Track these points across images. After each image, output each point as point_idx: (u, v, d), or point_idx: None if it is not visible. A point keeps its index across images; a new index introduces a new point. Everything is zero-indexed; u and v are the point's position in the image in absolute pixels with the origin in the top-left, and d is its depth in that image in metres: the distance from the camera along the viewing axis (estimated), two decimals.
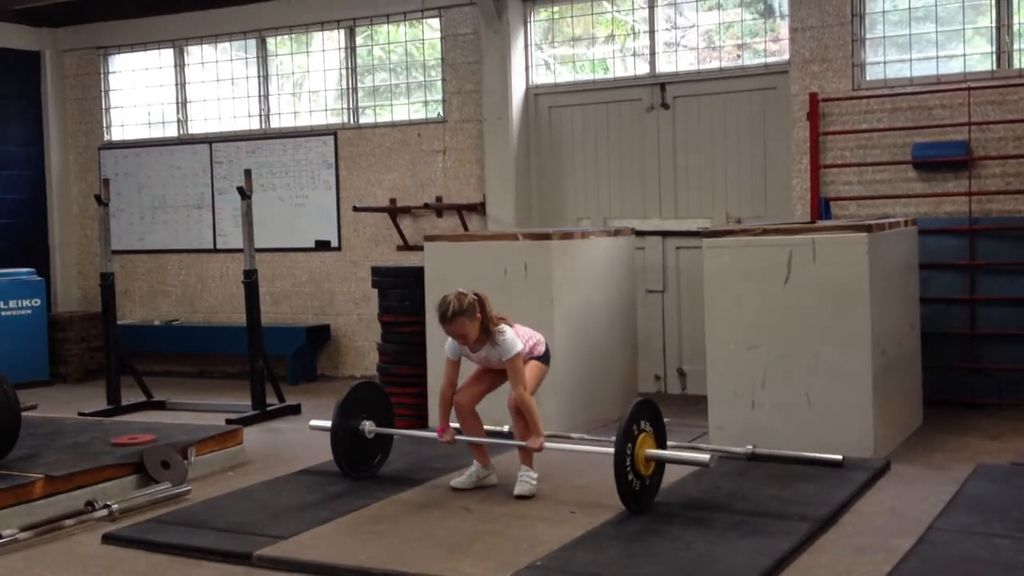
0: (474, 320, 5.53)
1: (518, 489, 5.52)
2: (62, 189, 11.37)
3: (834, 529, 4.97)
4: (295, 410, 8.42)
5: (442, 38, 9.57)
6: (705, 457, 5.34)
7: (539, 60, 9.38)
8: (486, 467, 5.78)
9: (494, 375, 5.76)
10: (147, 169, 11.01)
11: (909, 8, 7.92)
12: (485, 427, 5.90)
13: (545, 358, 5.80)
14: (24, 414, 6.12)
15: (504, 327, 5.58)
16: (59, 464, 5.83)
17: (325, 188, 10.08)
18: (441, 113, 9.65)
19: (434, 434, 5.87)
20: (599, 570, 4.44)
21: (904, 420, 6.84)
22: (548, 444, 5.57)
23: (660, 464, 5.35)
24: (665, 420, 6.77)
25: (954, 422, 7.13)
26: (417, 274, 7.67)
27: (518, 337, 5.60)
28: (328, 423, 6.02)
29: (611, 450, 5.13)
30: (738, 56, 8.65)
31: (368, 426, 6.05)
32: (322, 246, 10.17)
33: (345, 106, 10.17)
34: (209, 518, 5.35)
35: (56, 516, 5.38)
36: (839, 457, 5.94)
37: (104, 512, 5.43)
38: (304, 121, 10.37)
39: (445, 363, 5.78)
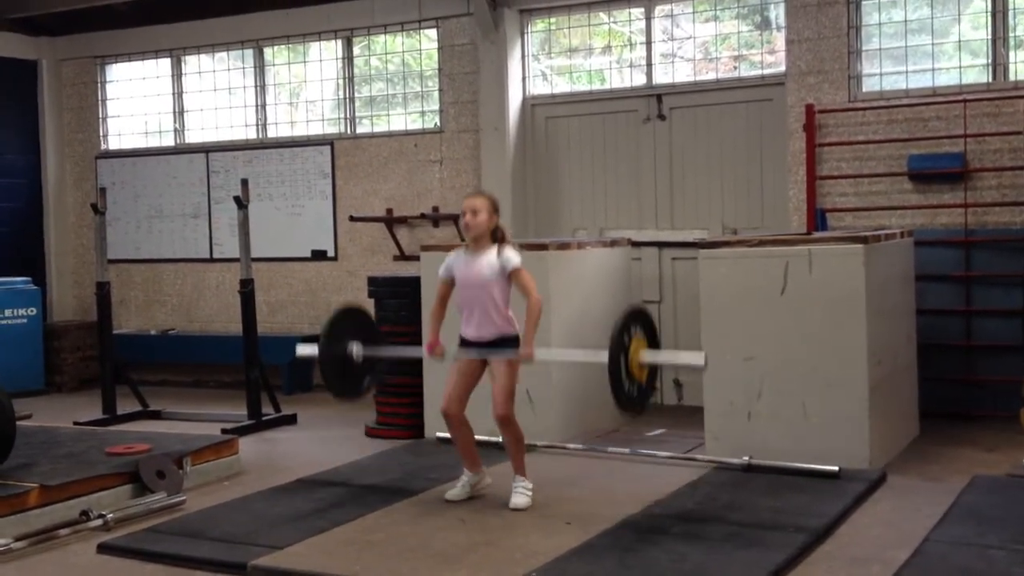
0: (491, 214, 5.54)
1: (514, 501, 5.50)
2: (59, 198, 11.37)
3: (830, 541, 4.97)
4: (291, 420, 8.41)
5: (439, 49, 9.59)
6: (700, 357, 5.31)
7: (536, 71, 9.40)
8: (477, 472, 5.75)
9: (473, 368, 5.66)
10: (144, 178, 11.01)
11: (905, 20, 7.95)
12: (477, 437, 5.85)
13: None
14: (19, 423, 6.11)
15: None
16: (54, 473, 5.82)
17: (322, 198, 10.08)
18: (438, 123, 9.66)
19: (422, 351, 5.81)
20: None
21: (900, 431, 6.84)
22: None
23: (654, 369, 5.37)
24: (661, 431, 6.77)
25: (950, 434, 7.14)
26: (413, 284, 7.68)
27: None
28: (315, 348, 5.88)
29: (604, 357, 5.13)
30: (734, 68, 8.67)
31: (356, 349, 5.95)
32: (318, 256, 10.17)
33: (342, 116, 10.18)
34: (204, 528, 5.34)
35: (51, 526, 5.37)
36: (835, 468, 5.94)
37: (99, 522, 5.42)
38: (301, 131, 10.38)
39: (438, 286, 5.75)
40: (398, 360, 7.66)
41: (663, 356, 5.44)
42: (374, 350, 6.01)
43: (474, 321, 5.56)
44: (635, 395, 5.26)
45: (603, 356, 5.16)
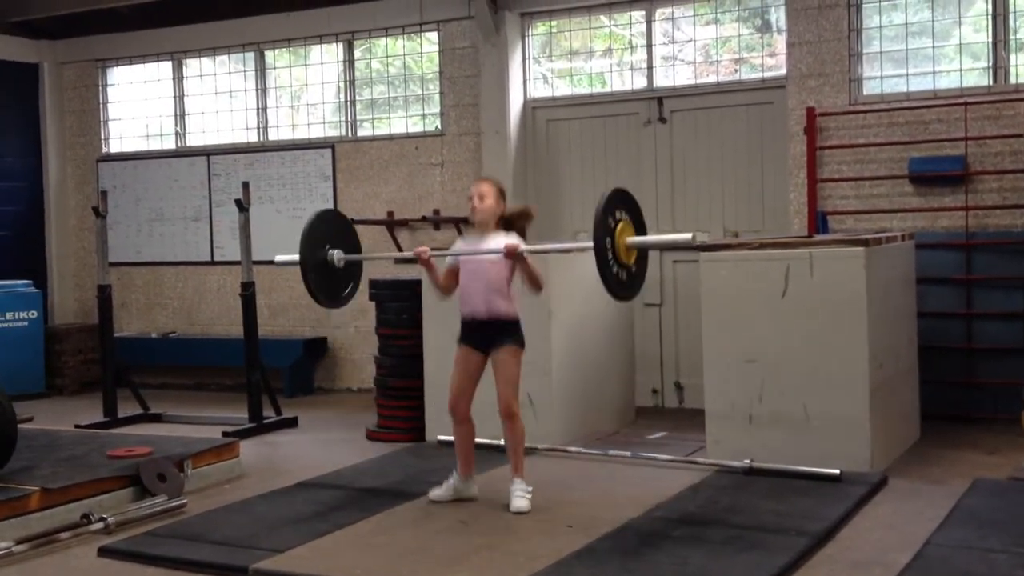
0: (499, 201, 5.57)
1: (515, 505, 5.49)
2: (60, 201, 11.38)
3: (831, 544, 4.97)
4: (292, 423, 8.41)
5: (440, 51, 9.59)
6: (687, 236, 5.26)
7: (537, 74, 9.40)
8: (467, 478, 5.73)
9: (475, 361, 5.64)
10: (145, 181, 11.02)
11: (906, 23, 7.96)
12: (478, 440, 5.84)
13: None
14: (20, 426, 6.11)
15: None
16: (55, 477, 5.82)
17: (323, 201, 10.07)
18: (439, 126, 9.67)
19: (411, 254, 5.80)
20: None
21: (901, 434, 6.84)
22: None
23: (643, 251, 5.33)
24: (662, 434, 6.77)
25: (951, 436, 7.13)
26: (414, 287, 7.68)
27: None
28: (295, 256, 5.85)
29: (590, 244, 5.10)
30: (735, 70, 8.67)
31: (336, 255, 5.93)
32: None
33: (343, 119, 10.18)
34: (205, 531, 5.34)
35: (52, 529, 5.37)
36: (836, 471, 5.93)
37: (100, 525, 5.42)
38: (302, 134, 10.38)
39: (444, 271, 5.72)
40: (399, 356, 7.67)
41: (650, 237, 5.40)
42: (354, 256, 6.03)
43: (472, 300, 5.58)
44: (625, 279, 5.21)
45: (589, 244, 5.12)
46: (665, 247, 5.31)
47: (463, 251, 5.70)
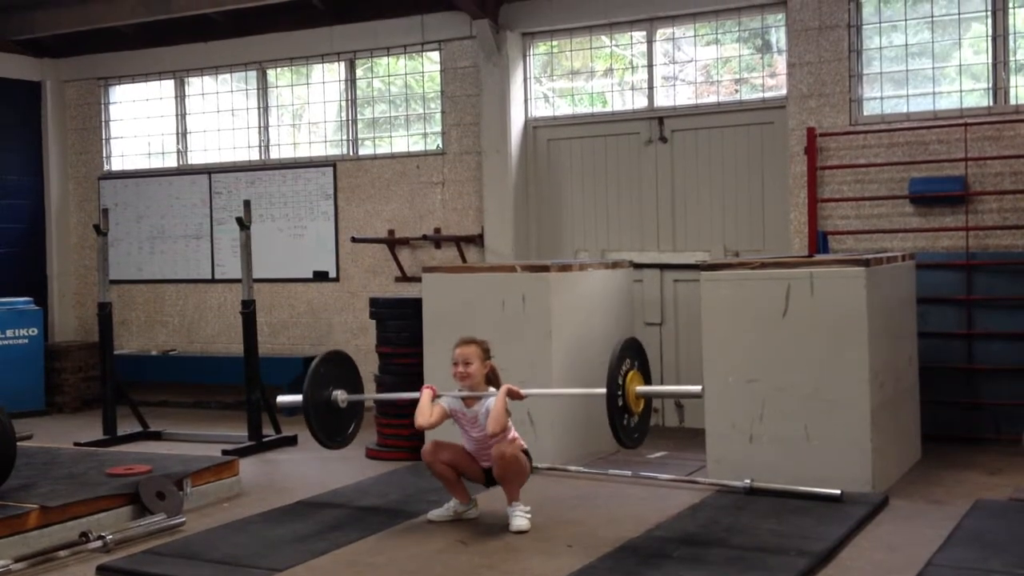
0: (483, 361, 5.61)
1: (515, 524, 5.49)
2: (61, 218, 11.39)
3: (832, 564, 4.95)
4: (291, 441, 8.39)
5: (442, 71, 9.62)
6: (697, 388, 5.37)
7: (538, 93, 9.43)
8: (465, 504, 5.76)
9: (469, 460, 5.72)
10: (146, 199, 11.04)
11: (906, 44, 7.98)
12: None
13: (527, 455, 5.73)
14: (20, 444, 6.09)
15: None
16: (54, 494, 5.81)
17: (324, 219, 10.09)
18: (440, 145, 9.69)
19: (417, 395, 5.75)
20: None
21: (902, 455, 6.83)
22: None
23: (649, 400, 5.51)
24: (663, 453, 6.79)
25: (952, 457, 7.12)
26: (415, 305, 7.68)
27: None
28: (298, 397, 5.94)
29: (603, 391, 5.24)
30: (736, 91, 8.70)
31: (340, 395, 5.99)
32: (320, 277, 10.17)
33: (344, 137, 10.20)
34: (204, 550, 5.32)
35: (50, 547, 5.36)
36: (837, 492, 5.92)
37: (99, 543, 5.40)
38: (303, 152, 10.41)
39: (436, 408, 5.65)
40: (400, 375, 7.67)
41: (660, 387, 5.55)
42: (358, 396, 6.13)
43: (481, 457, 5.70)
44: (633, 427, 5.29)
45: (601, 390, 5.21)
46: (674, 396, 5.52)
47: (464, 429, 5.70)
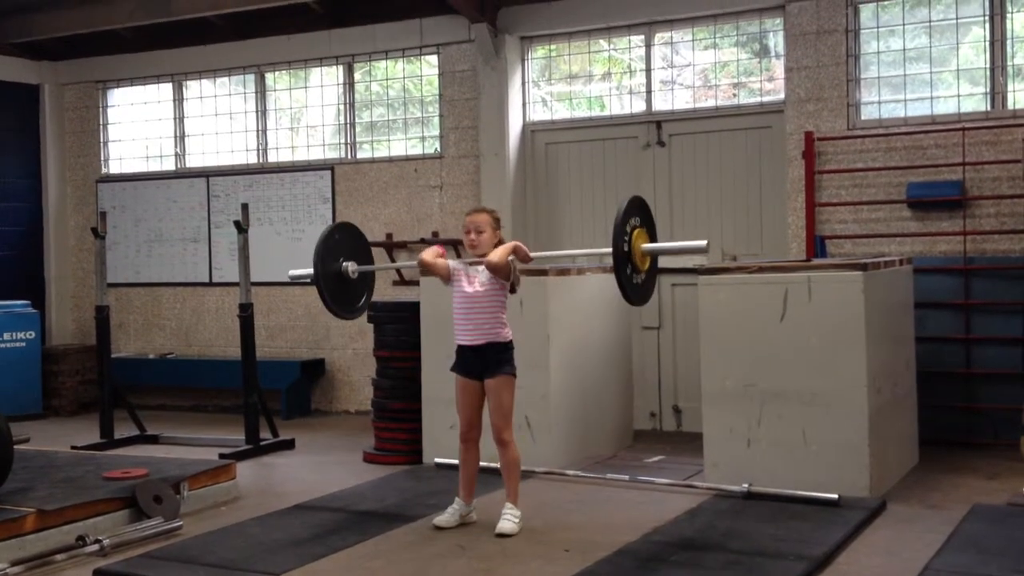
0: (494, 230, 5.60)
1: (501, 527, 5.48)
2: (59, 221, 11.39)
3: (829, 569, 4.95)
4: (289, 445, 8.39)
5: (440, 74, 9.63)
6: (702, 243, 5.31)
7: (536, 97, 9.44)
8: (468, 504, 5.75)
9: (475, 389, 5.65)
10: (144, 202, 11.03)
11: (904, 49, 7.99)
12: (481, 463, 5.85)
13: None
14: (17, 447, 6.09)
15: None
16: (51, 498, 5.80)
17: (322, 222, 10.07)
18: (438, 149, 9.69)
19: (414, 263, 5.80)
20: None
21: (900, 459, 6.82)
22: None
23: (655, 257, 5.45)
24: (660, 458, 6.77)
25: (950, 461, 7.12)
26: (413, 309, 7.67)
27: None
28: (309, 270, 5.94)
29: (608, 249, 5.21)
30: (734, 95, 8.70)
31: (351, 267, 6.01)
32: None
33: (343, 141, 10.21)
34: (201, 554, 5.31)
35: (47, 551, 5.35)
36: (835, 496, 5.92)
37: (95, 547, 5.39)
38: (302, 156, 10.41)
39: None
40: (398, 379, 7.66)
41: (665, 243, 5.50)
42: (368, 267, 6.14)
43: (466, 326, 5.62)
44: (639, 284, 5.28)
45: (607, 249, 5.19)
46: (680, 253, 5.44)
47: (461, 288, 5.67)
